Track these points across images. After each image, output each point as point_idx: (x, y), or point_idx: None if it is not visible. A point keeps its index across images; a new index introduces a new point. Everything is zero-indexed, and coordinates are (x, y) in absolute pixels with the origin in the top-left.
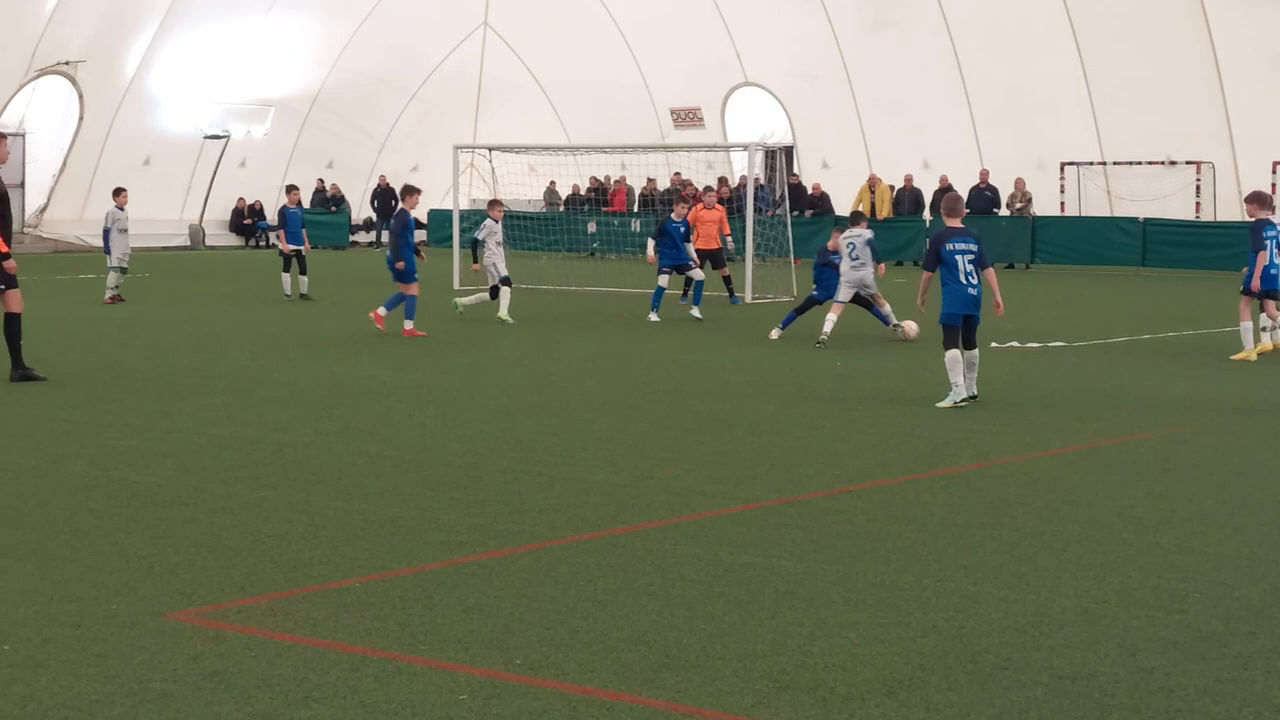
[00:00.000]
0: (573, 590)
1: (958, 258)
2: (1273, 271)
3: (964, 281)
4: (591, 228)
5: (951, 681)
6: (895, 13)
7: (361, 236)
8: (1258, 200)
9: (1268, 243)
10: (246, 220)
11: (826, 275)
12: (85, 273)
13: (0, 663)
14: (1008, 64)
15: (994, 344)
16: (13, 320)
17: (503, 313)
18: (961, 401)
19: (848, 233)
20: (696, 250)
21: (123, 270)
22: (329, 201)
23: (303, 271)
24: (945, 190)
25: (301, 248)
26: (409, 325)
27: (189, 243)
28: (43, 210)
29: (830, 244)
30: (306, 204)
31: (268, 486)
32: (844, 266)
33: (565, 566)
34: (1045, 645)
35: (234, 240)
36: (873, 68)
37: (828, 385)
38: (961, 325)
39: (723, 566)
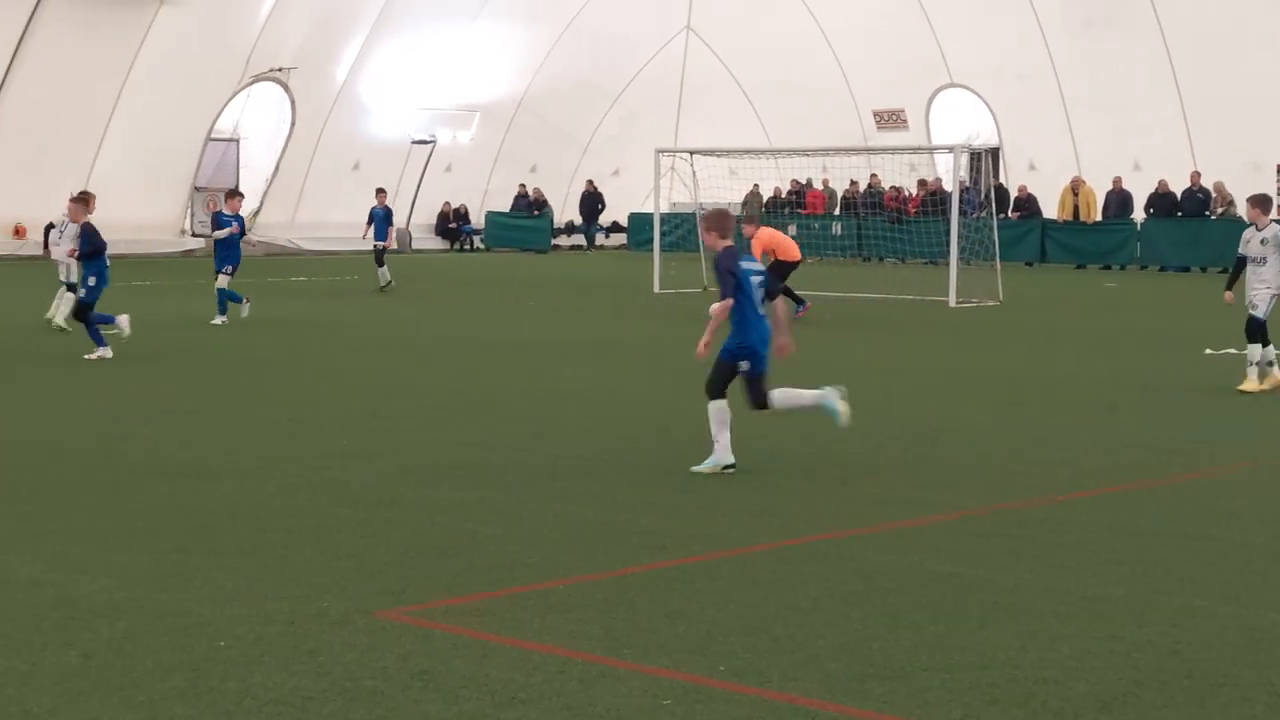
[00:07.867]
0: (774, 597)
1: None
2: None
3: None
4: (791, 230)
5: (1168, 698)
6: (1106, 12)
7: (564, 240)
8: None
9: None
10: (451, 224)
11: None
12: (296, 275)
13: (217, 658)
14: (1222, 63)
15: (1208, 350)
16: None
17: (59, 318)
18: None
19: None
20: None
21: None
22: (531, 206)
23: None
24: (1162, 195)
25: (383, 244)
26: None
27: (396, 246)
28: (255, 214)
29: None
30: (507, 208)
31: (477, 488)
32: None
33: (767, 572)
34: (1265, 662)
35: (439, 244)
36: (1082, 68)
37: (1040, 391)
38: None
39: (927, 575)
